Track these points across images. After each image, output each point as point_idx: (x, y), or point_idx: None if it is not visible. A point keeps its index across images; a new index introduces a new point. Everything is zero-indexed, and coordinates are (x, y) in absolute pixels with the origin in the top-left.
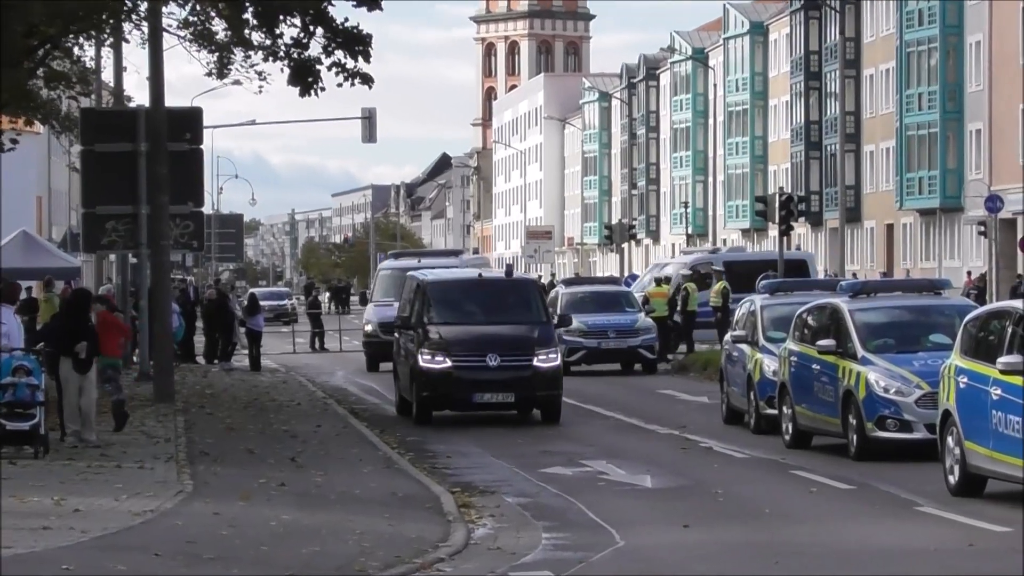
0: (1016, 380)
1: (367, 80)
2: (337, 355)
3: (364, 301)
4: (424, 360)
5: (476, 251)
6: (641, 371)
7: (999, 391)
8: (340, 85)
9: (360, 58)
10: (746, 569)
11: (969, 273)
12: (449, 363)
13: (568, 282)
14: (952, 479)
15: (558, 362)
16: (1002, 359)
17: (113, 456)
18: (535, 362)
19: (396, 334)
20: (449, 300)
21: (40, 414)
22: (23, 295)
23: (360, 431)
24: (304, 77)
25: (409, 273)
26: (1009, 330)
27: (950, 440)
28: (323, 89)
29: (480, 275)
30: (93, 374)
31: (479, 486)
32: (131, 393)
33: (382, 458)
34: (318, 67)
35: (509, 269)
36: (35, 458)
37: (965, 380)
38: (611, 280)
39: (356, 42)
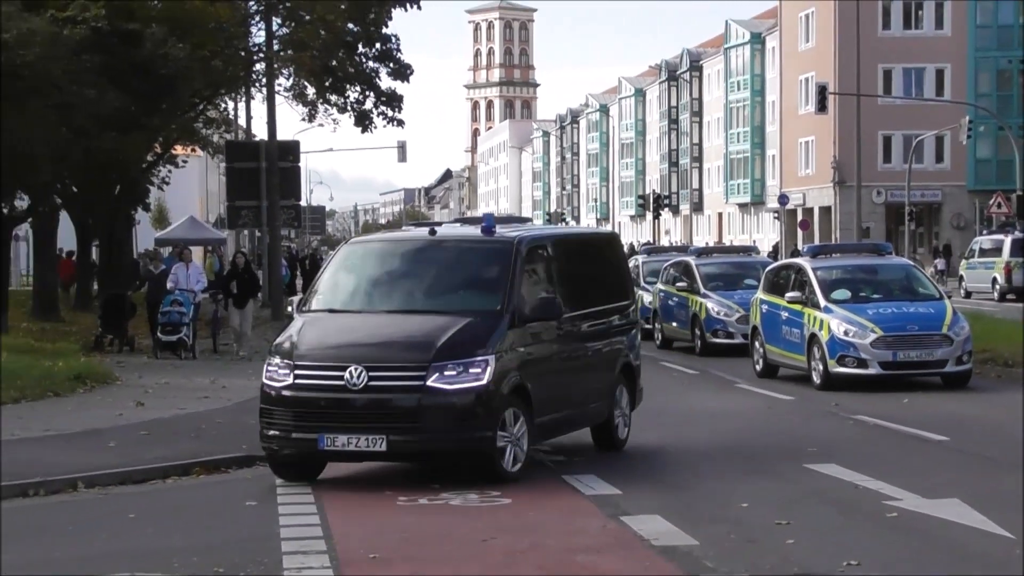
0: (796, 307)
1: (400, 123)
2: None
3: None
4: (267, 374)
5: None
6: None
7: (786, 314)
8: (385, 126)
9: (396, 110)
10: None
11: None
12: (290, 379)
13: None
14: (758, 367)
15: (483, 381)
16: (788, 294)
17: (244, 355)
18: (429, 381)
19: None
20: (360, 272)
21: (188, 331)
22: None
23: None
24: (362, 121)
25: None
26: (792, 276)
27: (756, 344)
28: (375, 128)
29: (432, 231)
30: (249, 309)
31: None
32: (257, 316)
33: None
34: (372, 114)
35: (465, 221)
36: (180, 359)
37: (766, 307)
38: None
39: (394, 100)
